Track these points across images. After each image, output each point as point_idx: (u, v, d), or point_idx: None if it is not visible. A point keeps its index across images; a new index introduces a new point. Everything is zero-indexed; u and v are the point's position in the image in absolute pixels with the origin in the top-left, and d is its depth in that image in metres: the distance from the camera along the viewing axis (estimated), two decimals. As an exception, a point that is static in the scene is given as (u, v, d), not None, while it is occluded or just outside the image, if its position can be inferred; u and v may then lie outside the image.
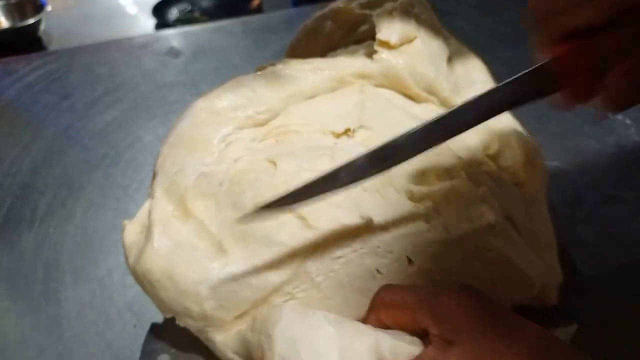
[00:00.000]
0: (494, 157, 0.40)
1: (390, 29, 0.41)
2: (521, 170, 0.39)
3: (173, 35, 0.76)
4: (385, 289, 0.31)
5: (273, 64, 0.42)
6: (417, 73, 0.40)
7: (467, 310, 0.27)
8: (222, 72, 0.67)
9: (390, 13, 0.41)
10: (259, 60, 0.68)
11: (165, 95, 0.63)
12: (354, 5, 0.46)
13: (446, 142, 0.30)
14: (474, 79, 0.45)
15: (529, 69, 0.28)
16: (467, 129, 0.29)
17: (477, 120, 0.29)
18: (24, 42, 1.05)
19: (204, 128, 0.37)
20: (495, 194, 0.35)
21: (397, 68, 0.40)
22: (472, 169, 0.36)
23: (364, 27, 0.45)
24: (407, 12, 0.42)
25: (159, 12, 1.11)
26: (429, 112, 0.40)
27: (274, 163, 0.34)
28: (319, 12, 0.48)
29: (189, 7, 1.15)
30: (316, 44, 0.47)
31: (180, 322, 0.33)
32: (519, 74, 0.28)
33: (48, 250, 0.45)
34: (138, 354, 0.37)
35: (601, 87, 0.27)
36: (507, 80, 0.29)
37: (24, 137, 0.57)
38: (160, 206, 0.35)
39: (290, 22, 0.78)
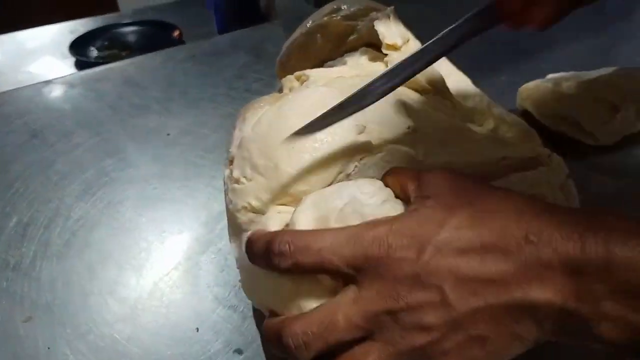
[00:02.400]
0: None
1: (392, 33, 0.46)
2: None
3: (128, 65, 0.76)
4: (393, 168, 0.36)
5: (305, 78, 0.45)
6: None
7: (449, 182, 0.31)
8: (189, 95, 0.69)
9: (387, 19, 0.47)
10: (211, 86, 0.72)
11: (140, 122, 0.64)
12: (338, 18, 0.50)
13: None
14: (448, 71, 0.52)
15: (478, 10, 0.34)
16: (434, 62, 0.35)
17: (441, 53, 0.35)
18: None
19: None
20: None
21: None
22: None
23: (352, 37, 0.50)
24: (396, 19, 0.48)
25: (77, 50, 1.09)
26: (438, 101, 0.46)
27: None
28: (304, 29, 0.51)
29: (107, 44, 1.14)
30: (307, 57, 0.51)
31: None
32: (470, 14, 0.34)
33: (69, 276, 0.45)
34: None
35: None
36: (462, 20, 0.34)
37: (6, 177, 0.56)
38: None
39: (216, 52, 0.82)
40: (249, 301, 0.42)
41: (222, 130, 0.62)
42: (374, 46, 0.50)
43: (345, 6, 0.51)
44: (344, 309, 0.29)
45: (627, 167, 0.55)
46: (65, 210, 0.52)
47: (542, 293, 0.26)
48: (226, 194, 0.39)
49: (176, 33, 1.15)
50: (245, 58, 0.77)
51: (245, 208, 0.37)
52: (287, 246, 0.30)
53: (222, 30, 1.09)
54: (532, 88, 0.61)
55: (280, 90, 0.47)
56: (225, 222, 0.49)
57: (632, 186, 0.53)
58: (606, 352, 0.27)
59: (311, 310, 0.30)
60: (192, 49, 0.80)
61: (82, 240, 0.49)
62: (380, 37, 0.46)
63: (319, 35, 0.51)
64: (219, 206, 0.52)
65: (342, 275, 0.30)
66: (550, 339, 0.28)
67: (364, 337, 0.29)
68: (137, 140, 0.61)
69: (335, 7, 0.52)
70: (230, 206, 0.38)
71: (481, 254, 0.27)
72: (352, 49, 0.51)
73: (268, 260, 0.31)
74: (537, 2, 0.32)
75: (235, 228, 0.39)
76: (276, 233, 0.32)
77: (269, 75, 0.72)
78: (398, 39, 0.46)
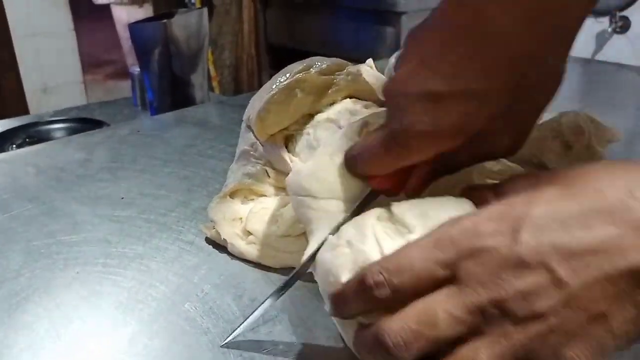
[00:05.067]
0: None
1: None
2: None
3: (66, 142, 0.72)
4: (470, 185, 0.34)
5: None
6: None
7: (524, 178, 0.32)
8: (139, 163, 0.66)
9: (370, 69, 0.49)
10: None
11: (88, 190, 0.59)
12: (312, 74, 0.51)
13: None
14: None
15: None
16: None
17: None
18: None
19: None
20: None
21: None
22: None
23: (331, 90, 0.51)
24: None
25: (-5, 147, 1.02)
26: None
27: None
28: (282, 84, 0.50)
29: (29, 140, 1.08)
30: (287, 111, 0.51)
31: None
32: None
33: (28, 343, 0.38)
34: None
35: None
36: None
37: None
38: None
39: (161, 127, 0.81)
40: (244, 342, 0.38)
41: (180, 191, 0.59)
42: (354, 97, 0.52)
43: (317, 64, 0.53)
44: (444, 303, 0.26)
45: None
46: (11, 275, 0.45)
47: None
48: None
49: (104, 127, 1.12)
50: (193, 130, 0.76)
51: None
52: (381, 275, 0.28)
53: (154, 113, 1.07)
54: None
55: None
56: (204, 271, 0.46)
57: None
58: None
59: (407, 307, 0.27)
60: (135, 125, 0.78)
61: (37, 304, 0.42)
62: (375, 87, 0.48)
63: (298, 90, 0.51)
64: (193, 258, 0.48)
65: (440, 280, 0.27)
66: None
67: (469, 333, 0.26)
68: (87, 205, 0.56)
69: (305, 64, 0.53)
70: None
71: (585, 221, 0.25)
72: (332, 102, 0.52)
73: (368, 297, 0.29)
74: (405, 179, 0.36)
75: None
76: (364, 268, 0.30)
77: (220, 142, 0.71)
78: None
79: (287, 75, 0.52)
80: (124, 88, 1.22)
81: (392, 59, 0.89)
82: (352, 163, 0.36)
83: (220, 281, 0.45)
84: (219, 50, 2.50)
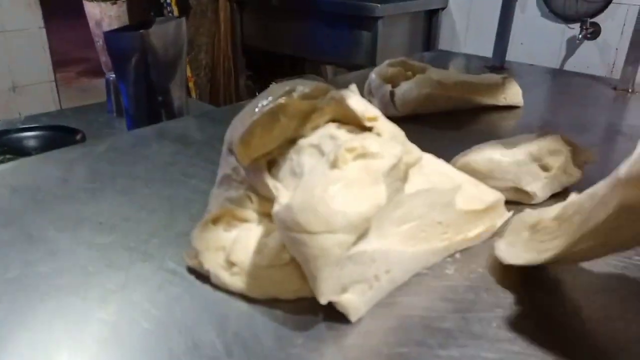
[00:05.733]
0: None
1: (368, 107, 0.50)
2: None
3: (42, 159, 0.70)
4: None
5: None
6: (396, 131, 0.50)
7: None
8: (119, 183, 0.65)
9: (353, 95, 0.50)
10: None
11: (66, 212, 0.58)
12: (295, 99, 0.51)
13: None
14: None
15: None
16: None
17: None
18: None
19: None
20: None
21: (396, 132, 0.50)
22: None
23: (315, 114, 0.51)
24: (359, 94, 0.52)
25: (-36, 157, 0.99)
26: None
27: None
28: (266, 108, 0.50)
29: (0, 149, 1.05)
30: (270, 135, 0.50)
31: None
32: None
33: None
34: None
35: None
36: None
37: None
38: None
39: (141, 143, 0.80)
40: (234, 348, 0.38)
41: (162, 212, 0.58)
42: (338, 122, 0.52)
43: (300, 87, 0.52)
44: None
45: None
46: (-11, 310, 0.44)
47: None
48: None
49: (79, 136, 1.10)
50: (173, 146, 0.75)
51: None
52: None
53: (131, 127, 1.06)
54: (467, 157, 0.64)
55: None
56: (187, 303, 0.45)
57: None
58: None
59: None
60: (113, 142, 0.76)
61: (15, 341, 0.41)
62: (359, 113, 0.48)
63: (281, 114, 0.50)
64: (176, 288, 0.47)
65: None
66: None
67: None
68: (66, 230, 0.55)
69: (288, 88, 0.52)
70: None
71: None
72: (316, 126, 0.52)
73: None
74: None
75: None
76: None
77: (202, 159, 0.71)
78: (376, 111, 0.48)
79: (270, 98, 0.51)
80: (96, 87, 1.19)
81: (373, 75, 0.90)
82: None
83: (203, 314, 0.44)
84: (196, 51, 2.47)
